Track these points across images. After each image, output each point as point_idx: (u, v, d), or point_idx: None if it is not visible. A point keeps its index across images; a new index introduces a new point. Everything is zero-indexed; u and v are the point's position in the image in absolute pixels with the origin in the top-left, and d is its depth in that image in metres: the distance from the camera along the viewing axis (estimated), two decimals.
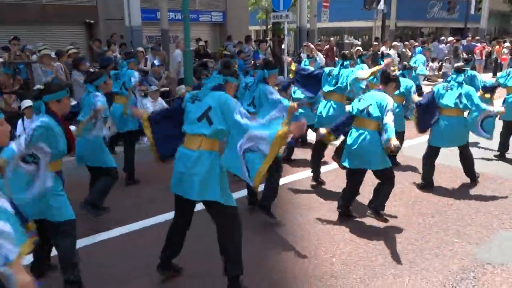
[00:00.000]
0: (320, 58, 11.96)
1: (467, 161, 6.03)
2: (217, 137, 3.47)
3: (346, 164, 4.89)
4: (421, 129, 6.06)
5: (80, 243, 4.17)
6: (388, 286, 3.81)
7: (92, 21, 14.60)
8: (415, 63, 10.65)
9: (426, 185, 6.01)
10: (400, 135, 6.52)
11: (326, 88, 6.15)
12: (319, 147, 6.14)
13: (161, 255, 3.80)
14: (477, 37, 21.58)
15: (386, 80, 4.92)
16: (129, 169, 6.40)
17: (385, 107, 4.58)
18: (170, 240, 3.77)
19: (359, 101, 4.87)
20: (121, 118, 6.31)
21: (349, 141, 4.82)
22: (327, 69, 6.38)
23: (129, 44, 12.63)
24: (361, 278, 3.94)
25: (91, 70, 9.05)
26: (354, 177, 4.98)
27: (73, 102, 7.74)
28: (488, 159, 7.29)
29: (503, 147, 7.36)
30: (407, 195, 5.82)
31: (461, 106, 5.69)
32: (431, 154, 5.99)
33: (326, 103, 6.13)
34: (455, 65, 6.62)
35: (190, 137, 3.50)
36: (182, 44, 11.13)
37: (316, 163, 6.23)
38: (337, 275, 3.99)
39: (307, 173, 6.63)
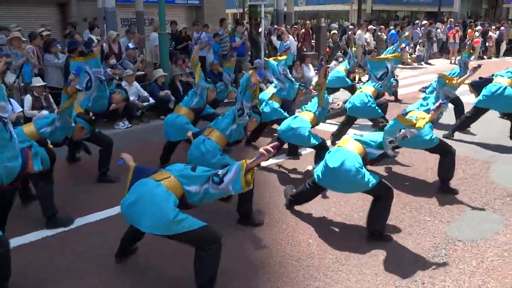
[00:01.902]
0: (291, 41, 11.90)
1: None
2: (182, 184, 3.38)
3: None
4: None
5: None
6: (363, 265, 3.90)
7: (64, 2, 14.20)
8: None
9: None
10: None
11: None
12: None
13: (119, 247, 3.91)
14: (451, 19, 21.86)
15: None
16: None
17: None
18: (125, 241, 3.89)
19: None
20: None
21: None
22: None
23: (102, 26, 12.36)
24: (337, 257, 4.02)
25: (62, 53, 8.87)
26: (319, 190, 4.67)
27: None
28: (459, 141, 7.46)
29: (459, 127, 7.65)
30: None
31: None
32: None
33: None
34: None
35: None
36: (157, 26, 10.96)
37: None
38: (313, 255, 4.07)
39: (283, 157, 6.69)
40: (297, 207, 5.00)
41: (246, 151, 6.97)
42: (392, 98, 10.60)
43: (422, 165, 6.30)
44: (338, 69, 10.09)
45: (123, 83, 8.88)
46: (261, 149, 3.15)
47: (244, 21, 20.14)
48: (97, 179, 5.82)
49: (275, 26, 13.92)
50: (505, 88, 6.92)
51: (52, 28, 12.31)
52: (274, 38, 12.10)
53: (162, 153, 6.33)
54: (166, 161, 6.21)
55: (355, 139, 4.36)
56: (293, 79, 7.31)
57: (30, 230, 4.49)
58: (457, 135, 7.70)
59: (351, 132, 7.27)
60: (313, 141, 5.72)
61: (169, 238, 3.25)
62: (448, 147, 5.45)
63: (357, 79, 13.02)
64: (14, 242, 4.26)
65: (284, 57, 7.33)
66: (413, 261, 3.94)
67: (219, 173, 3.30)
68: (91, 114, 5.56)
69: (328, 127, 8.11)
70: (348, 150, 4.23)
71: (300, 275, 3.78)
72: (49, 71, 8.62)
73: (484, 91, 7.13)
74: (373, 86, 7.30)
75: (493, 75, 7.42)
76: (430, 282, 3.65)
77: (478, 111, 7.33)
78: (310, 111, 5.96)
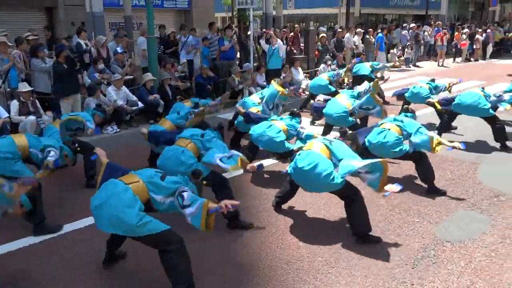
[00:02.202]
0: (280, 45, 11.87)
1: None
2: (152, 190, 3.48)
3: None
4: None
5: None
6: (353, 267, 3.91)
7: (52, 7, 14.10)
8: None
9: None
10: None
11: None
12: None
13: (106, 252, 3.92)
14: (438, 22, 22.08)
15: None
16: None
17: None
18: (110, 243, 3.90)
19: None
20: None
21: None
22: None
23: (90, 31, 12.30)
24: (326, 260, 4.03)
25: (48, 58, 8.81)
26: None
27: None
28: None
29: (440, 129, 7.81)
30: None
31: None
32: None
33: None
34: None
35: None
36: (145, 31, 10.93)
37: None
38: (303, 258, 4.07)
39: (272, 160, 6.70)
40: (285, 211, 5.01)
41: None
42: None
43: (411, 167, 6.32)
44: (322, 77, 10.12)
45: (111, 88, 8.83)
46: (222, 203, 3.34)
47: (233, 25, 20.18)
48: (84, 184, 5.78)
49: (264, 30, 13.93)
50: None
51: (39, 32, 12.21)
52: (262, 42, 12.10)
53: (150, 157, 6.29)
54: (155, 164, 6.17)
55: (323, 143, 4.44)
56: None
57: (18, 237, 4.45)
58: (445, 136, 7.74)
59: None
60: (288, 146, 5.78)
61: (133, 239, 3.37)
62: (418, 153, 5.45)
63: (346, 82, 13.06)
64: (1, 249, 4.23)
65: (287, 93, 7.38)
66: (402, 263, 3.96)
67: (184, 195, 3.38)
68: (76, 145, 5.54)
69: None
70: (318, 153, 4.32)
71: (290, 278, 3.78)
72: (36, 76, 8.54)
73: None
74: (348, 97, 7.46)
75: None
76: (419, 284, 3.66)
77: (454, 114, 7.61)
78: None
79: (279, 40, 12.06)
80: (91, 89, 8.74)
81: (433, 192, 5.43)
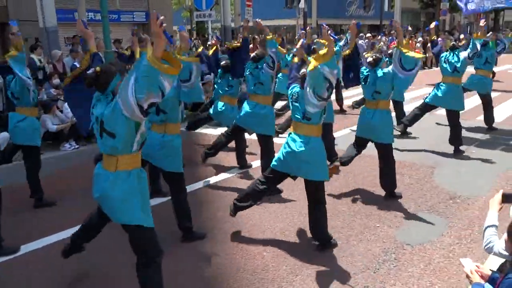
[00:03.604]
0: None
1: None
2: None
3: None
4: None
5: None
6: (317, 274, 3.94)
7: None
8: None
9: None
10: (328, 127, 6.78)
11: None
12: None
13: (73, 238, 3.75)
14: (393, 31, 22.78)
15: None
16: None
17: None
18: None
19: None
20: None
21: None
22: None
23: (45, 46, 11.98)
24: (291, 268, 4.05)
25: None
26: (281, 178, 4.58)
27: None
28: (403, 149, 7.75)
29: (410, 121, 8.08)
30: (332, 185, 6.03)
31: None
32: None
33: None
34: None
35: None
36: (101, 45, 10.74)
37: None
38: (268, 267, 4.08)
39: (235, 171, 6.71)
40: (249, 222, 5.00)
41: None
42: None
43: (372, 172, 6.48)
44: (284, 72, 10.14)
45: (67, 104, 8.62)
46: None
47: (193, 38, 20.16)
48: (33, 205, 5.60)
49: (212, 42, 13.59)
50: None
51: None
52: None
53: None
54: None
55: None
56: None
57: None
58: (402, 142, 7.99)
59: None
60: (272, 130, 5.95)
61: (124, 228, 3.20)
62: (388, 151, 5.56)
63: None
64: None
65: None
66: (365, 268, 4.03)
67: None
68: None
69: None
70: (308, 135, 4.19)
71: None
72: None
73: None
74: None
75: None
76: (381, 287, 3.74)
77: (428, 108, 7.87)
78: None
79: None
80: (46, 106, 8.49)
81: (391, 197, 5.57)
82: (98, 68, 3.09)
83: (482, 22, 7.94)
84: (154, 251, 3.22)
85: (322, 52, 4.04)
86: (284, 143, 4.32)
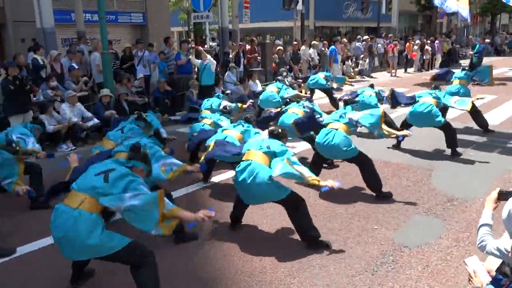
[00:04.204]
0: (211, 60, 11.36)
1: None
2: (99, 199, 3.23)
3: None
4: None
5: None
6: (314, 276, 3.94)
7: None
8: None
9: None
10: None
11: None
12: None
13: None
14: (390, 35, 22.87)
15: None
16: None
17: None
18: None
19: None
20: None
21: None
22: None
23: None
24: (289, 270, 4.04)
25: None
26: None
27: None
28: (401, 150, 7.76)
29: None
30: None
31: None
32: None
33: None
34: None
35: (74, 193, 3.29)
36: (99, 46, 10.74)
37: None
38: (266, 270, 4.06)
39: (233, 172, 6.67)
40: (247, 224, 4.99)
41: None
42: None
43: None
44: (270, 89, 10.09)
45: (65, 105, 8.60)
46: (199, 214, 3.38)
47: (190, 39, 20.15)
48: (30, 206, 5.58)
49: (192, 46, 13.40)
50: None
51: None
52: (192, 57, 11.59)
53: None
54: None
55: (263, 152, 4.41)
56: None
57: None
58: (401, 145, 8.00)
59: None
60: None
61: (104, 259, 3.28)
62: (362, 157, 5.62)
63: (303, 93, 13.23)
64: None
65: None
66: (362, 270, 4.02)
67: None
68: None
69: None
70: (258, 163, 4.30)
71: None
72: None
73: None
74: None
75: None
76: None
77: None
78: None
79: (209, 56, 11.66)
80: (42, 107, 8.48)
81: (381, 198, 5.58)
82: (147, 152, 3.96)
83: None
84: (144, 258, 3.32)
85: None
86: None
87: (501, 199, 2.60)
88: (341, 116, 5.81)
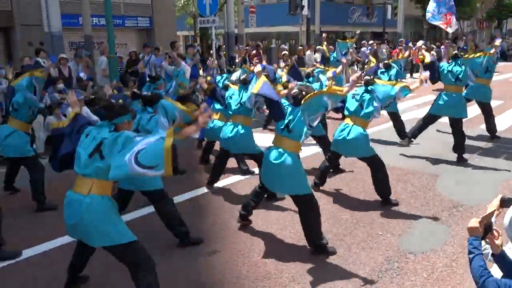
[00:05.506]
0: (186, 67, 10.66)
1: None
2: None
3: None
4: None
5: None
6: (319, 282, 3.92)
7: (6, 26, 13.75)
8: None
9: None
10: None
11: None
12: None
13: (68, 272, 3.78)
14: (401, 39, 22.85)
15: None
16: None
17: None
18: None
19: None
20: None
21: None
22: None
23: (49, 50, 12.04)
24: (293, 276, 4.03)
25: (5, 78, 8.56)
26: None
27: None
28: (407, 156, 7.73)
29: (413, 134, 8.09)
30: (334, 193, 6.03)
31: None
32: None
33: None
34: None
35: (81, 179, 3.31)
36: (106, 50, 10.79)
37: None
38: (270, 275, 4.06)
39: (237, 177, 6.70)
40: (250, 229, 4.98)
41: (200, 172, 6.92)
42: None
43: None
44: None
45: (86, 108, 8.65)
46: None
47: (196, 43, 20.23)
48: (35, 209, 5.61)
49: (166, 52, 13.14)
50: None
51: None
52: (165, 64, 11.34)
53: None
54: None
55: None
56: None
57: None
58: (405, 150, 7.98)
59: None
60: (258, 148, 5.85)
61: (108, 250, 3.31)
62: (381, 163, 5.59)
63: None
64: None
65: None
66: (367, 276, 4.00)
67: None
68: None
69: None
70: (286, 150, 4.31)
71: None
72: None
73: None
74: None
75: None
76: None
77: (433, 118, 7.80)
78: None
79: (183, 62, 11.34)
80: (50, 108, 8.58)
81: (387, 204, 5.56)
82: (120, 101, 3.59)
83: (497, 42, 8.25)
84: (147, 261, 3.33)
85: (335, 87, 4.34)
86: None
87: (503, 206, 2.59)
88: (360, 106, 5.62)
